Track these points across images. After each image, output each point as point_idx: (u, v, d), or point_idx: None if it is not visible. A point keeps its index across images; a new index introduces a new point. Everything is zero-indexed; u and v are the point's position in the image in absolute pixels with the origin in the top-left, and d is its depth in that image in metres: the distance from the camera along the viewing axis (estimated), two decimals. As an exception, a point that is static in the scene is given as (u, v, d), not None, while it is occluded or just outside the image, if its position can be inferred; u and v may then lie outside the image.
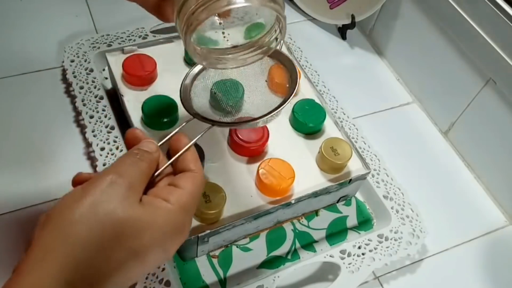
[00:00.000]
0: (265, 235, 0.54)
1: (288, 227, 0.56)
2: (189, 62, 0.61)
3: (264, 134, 0.54)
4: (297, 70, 0.45)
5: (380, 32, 0.78)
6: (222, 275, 0.51)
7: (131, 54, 0.60)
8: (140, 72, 0.57)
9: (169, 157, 0.36)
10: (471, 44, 0.61)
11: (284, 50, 0.66)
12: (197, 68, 0.45)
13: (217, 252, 0.52)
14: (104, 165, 0.53)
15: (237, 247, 0.53)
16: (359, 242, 0.52)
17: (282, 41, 0.39)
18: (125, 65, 0.57)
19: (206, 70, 0.44)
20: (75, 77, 0.61)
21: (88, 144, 0.57)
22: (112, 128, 0.56)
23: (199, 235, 0.47)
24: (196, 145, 0.51)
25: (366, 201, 0.59)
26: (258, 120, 0.41)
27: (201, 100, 0.44)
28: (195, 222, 0.48)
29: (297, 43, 0.72)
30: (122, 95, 0.57)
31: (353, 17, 0.75)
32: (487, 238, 0.59)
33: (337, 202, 0.58)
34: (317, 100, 0.59)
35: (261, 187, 0.51)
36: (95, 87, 0.60)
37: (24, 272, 0.27)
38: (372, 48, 0.79)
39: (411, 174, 0.63)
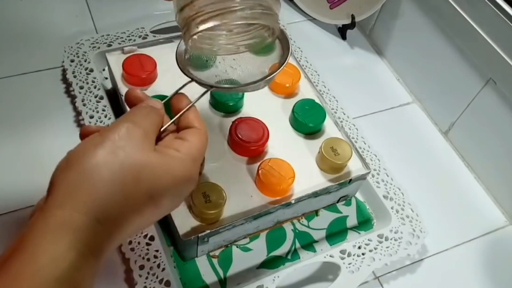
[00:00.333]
0: (265, 235, 0.54)
1: (288, 227, 0.56)
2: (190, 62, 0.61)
3: (264, 134, 0.54)
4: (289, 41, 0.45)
5: (380, 32, 0.78)
6: (222, 275, 0.51)
7: (131, 54, 0.60)
8: (140, 72, 0.57)
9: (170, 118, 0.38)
10: (471, 44, 0.61)
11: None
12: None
13: (217, 252, 0.52)
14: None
15: (237, 247, 0.53)
16: (359, 242, 0.52)
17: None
18: (125, 65, 0.57)
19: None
20: (75, 77, 0.61)
21: (88, 144, 0.57)
22: (112, 128, 0.56)
23: (199, 235, 0.47)
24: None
25: (366, 201, 0.59)
26: (258, 83, 0.41)
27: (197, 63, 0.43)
28: (195, 222, 0.48)
29: (297, 43, 0.72)
30: (122, 95, 0.57)
31: (353, 17, 0.75)
32: (487, 238, 0.59)
33: (337, 202, 0.58)
34: (317, 100, 0.59)
35: (261, 187, 0.51)
36: (95, 87, 0.60)
37: (52, 208, 0.28)
38: (372, 48, 0.79)
39: (411, 174, 0.63)
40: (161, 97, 0.55)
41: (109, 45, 0.64)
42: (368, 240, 0.53)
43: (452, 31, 0.63)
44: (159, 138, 0.35)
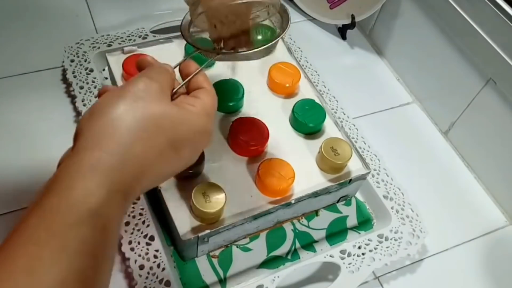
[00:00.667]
0: (265, 235, 0.54)
1: (288, 227, 0.56)
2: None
3: (264, 134, 0.54)
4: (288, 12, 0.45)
5: (380, 32, 0.78)
6: (222, 275, 0.51)
7: (131, 54, 0.60)
8: (140, 72, 0.57)
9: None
10: (471, 44, 0.61)
11: (283, 48, 0.66)
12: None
13: (217, 252, 0.52)
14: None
15: (237, 247, 0.53)
16: (359, 242, 0.52)
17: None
18: (125, 65, 0.57)
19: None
20: (75, 77, 0.61)
21: (88, 144, 0.57)
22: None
23: (199, 235, 0.47)
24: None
25: (366, 201, 0.59)
26: (261, 47, 0.42)
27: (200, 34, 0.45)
28: (195, 222, 0.48)
29: (297, 43, 0.72)
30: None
31: (353, 17, 0.75)
32: (487, 238, 0.59)
33: (337, 202, 0.58)
34: (317, 100, 0.59)
35: (261, 187, 0.51)
36: (95, 87, 0.60)
37: (81, 151, 0.30)
38: (372, 48, 0.79)
39: (411, 174, 0.63)
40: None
41: (109, 45, 0.64)
42: (368, 240, 0.53)
43: (452, 31, 0.63)
44: (171, 99, 0.36)
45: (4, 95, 0.62)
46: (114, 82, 0.60)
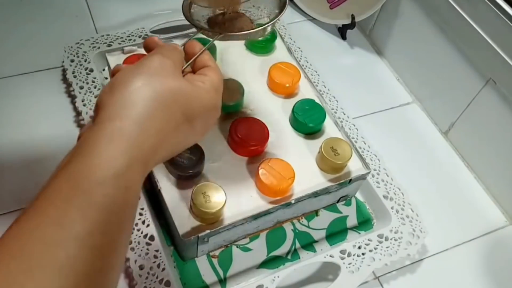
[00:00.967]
0: (265, 235, 0.54)
1: (288, 227, 0.56)
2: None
3: (264, 134, 0.54)
4: None
5: (380, 32, 0.78)
6: (222, 275, 0.51)
7: (131, 54, 0.60)
8: (140, 72, 0.57)
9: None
10: (471, 44, 0.61)
11: (283, 48, 0.66)
12: None
13: (217, 252, 0.52)
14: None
15: (237, 247, 0.53)
16: (359, 242, 0.52)
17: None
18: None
19: None
20: (75, 77, 0.61)
21: (88, 144, 0.57)
22: (112, 128, 0.56)
23: (199, 235, 0.47)
24: (196, 145, 0.52)
25: (366, 201, 0.59)
26: (264, 28, 0.43)
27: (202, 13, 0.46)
28: (195, 222, 0.48)
29: (297, 43, 0.72)
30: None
31: (353, 17, 0.75)
32: (487, 238, 0.59)
33: (337, 202, 0.58)
34: (317, 100, 0.59)
35: (261, 187, 0.51)
36: (95, 87, 0.60)
37: (103, 121, 0.31)
38: (372, 48, 0.79)
39: (411, 174, 0.63)
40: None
41: (109, 45, 0.64)
42: (368, 240, 0.53)
43: (452, 31, 0.63)
44: None
45: (4, 95, 0.62)
46: (114, 82, 0.60)
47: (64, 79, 0.65)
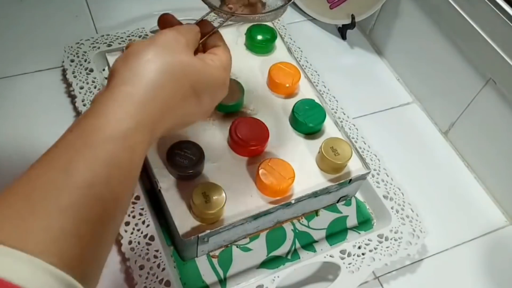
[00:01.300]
0: (265, 235, 0.54)
1: (288, 227, 0.56)
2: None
3: (264, 134, 0.54)
4: None
5: (380, 32, 0.78)
6: (222, 275, 0.51)
7: (131, 54, 0.60)
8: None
9: None
10: (471, 44, 0.61)
11: (283, 48, 0.66)
12: None
13: (217, 252, 0.52)
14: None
15: (237, 247, 0.53)
16: (359, 242, 0.52)
17: None
18: (125, 65, 0.57)
19: None
20: (75, 77, 0.61)
21: (88, 144, 0.57)
22: (112, 128, 0.56)
23: (199, 235, 0.47)
24: (196, 145, 0.52)
25: (366, 201, 0.59)
26: (278, 11, 0.44)
27: None
28: (195, 222, 0.48)
29: (297, 43, 0.72)
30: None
31: (353, 17, 0.75)
32: (487, 238, 0.59)
33: (337, 202, 0.58)
34: (317, 100, 0.59)
35: (261, 187, 0.51)
36: (95, 87, 0.60)
37: (116, 85, 0.33)
38: (372, 48, 0.79)
39: (411, 174, 0.63)
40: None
41: (109, 45, 0.64)
42: (368, 240, 0.53)
43: (452, 31, 0.63)
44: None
45: (4, 95, 0.62)
46: (114, 82, 0.60)
47: (64, 79, 0.65)
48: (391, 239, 0.53)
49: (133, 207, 0.51)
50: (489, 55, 0.58)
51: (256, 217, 0.50)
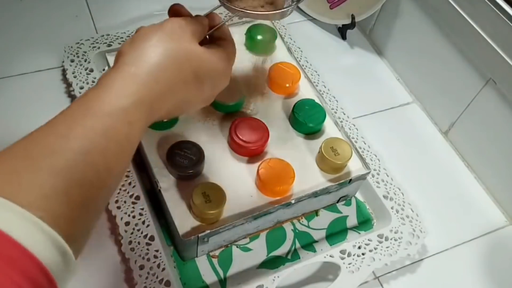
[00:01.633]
0: (265, 235, 0.54)
1: (288, 227, 0.56)
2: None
3: (264, 134, 0.54)
4: None
5: (380, 32, 0.78)
6: (222, 275, 0.51)
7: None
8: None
9: None
10: (471, 44, 0.61)
11: (283, 48, 0.66)
12: None
13: (217, 252, 0.52)
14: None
15: (237, 247, 0.53)
16: (359, 242, 0.52)
17: None
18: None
19: None
20: (75, 77, 0.61)
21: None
22: (112, 128, 0.56)
23: (199, 235, 0.47)
24: (196, 145, 0.52)
25: (366, 201, 0.59)
26: (287, 8, 0.45)
27: None
28: (195, 222, 0.48)
29: (297, 43, 0.72)
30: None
31: (353, 17, 0.75)
32: (487, 238, 0.59)
33: (337, 202, 0.58)
34: (317, 100, 0.59)
35: (261, 187, 0.51)
36: (95, 87, 0.60)
37: (121, 64, 0.35)
38: (372, 48, 0.79)
39: (411, 174, 0.63)
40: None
41: (109, 45, 0.64)
42: (368, 240, 0.53)
43: (452, 31, 0.63)
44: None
45: (4, 95, 0.62)
46: (114, 82, 0.60)
47: (64, 79, 0.65)
48: (391, 239, 0.53)
49: (133, 207, 0.51)
50: (489, 55, 0.58)
51: (256, 217, 0.50)
